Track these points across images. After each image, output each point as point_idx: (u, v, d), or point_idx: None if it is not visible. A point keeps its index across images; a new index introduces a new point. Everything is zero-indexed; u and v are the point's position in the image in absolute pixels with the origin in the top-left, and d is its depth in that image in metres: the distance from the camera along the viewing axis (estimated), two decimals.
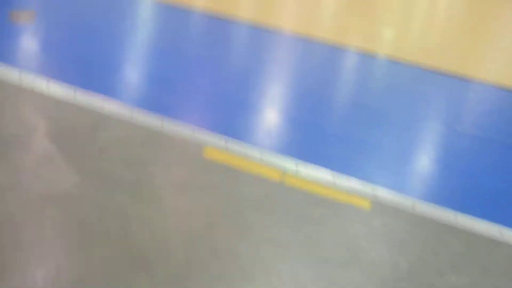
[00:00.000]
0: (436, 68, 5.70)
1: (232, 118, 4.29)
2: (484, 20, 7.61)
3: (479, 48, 6.52)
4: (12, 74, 4.30)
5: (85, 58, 4.81)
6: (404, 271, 2.96)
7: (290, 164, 3.74)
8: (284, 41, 6.14)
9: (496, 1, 8.44)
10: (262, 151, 3.85)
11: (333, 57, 5.87)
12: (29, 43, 4.98)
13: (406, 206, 3.51)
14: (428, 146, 4.41)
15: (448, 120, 4.79)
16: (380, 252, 3.07)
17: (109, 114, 3.98)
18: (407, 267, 2.99)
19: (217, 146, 3.80)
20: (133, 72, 4.88)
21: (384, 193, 3.59)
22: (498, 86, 5.56)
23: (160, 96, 4.47)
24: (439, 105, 5.04)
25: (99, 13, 5.92)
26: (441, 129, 4.58)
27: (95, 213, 3.01)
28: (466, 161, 4.19)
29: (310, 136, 4.20)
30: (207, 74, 4.96)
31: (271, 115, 4.52)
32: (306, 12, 7.05)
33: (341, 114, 4.70)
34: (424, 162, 4.13)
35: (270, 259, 2.91)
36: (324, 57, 5.88)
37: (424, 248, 3.17)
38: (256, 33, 6.23)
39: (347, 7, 7.47)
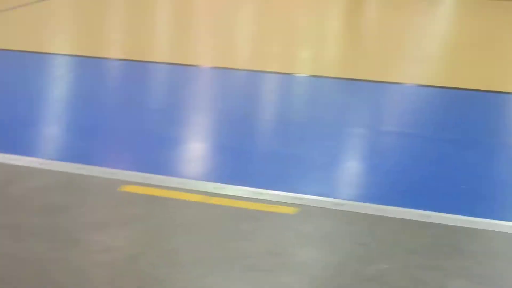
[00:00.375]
0: (354, 78, 5.75)
1: (153, 154, 4.24)
2: (394, 27, 7.78)
3: (393, 54, 6.63)
4: None
5: None
6: (335, 267, 2.92)
7: (215, 187, 3.69)
8: (201, 74, 6.15)
9: (402, 8, 8.65)
10: (185, 180, 3.79)
11: (253, 82, 5.88)
12: None
13: (334, 207, 3.49)
14: (353, 149, 4.44)
15: (371, 122, 4.83)
16: (310, 254, 3.03)
17: (23, 168, 3.87)
18: (337, 263, 2.96)
19: (137, 182, 3.73)
20: (47, 126, 4.80)
21: (312, 199, 3.56)
22: (414, 85, 5.64)
23: (77, 144, 4.39)
24: (360, 110, 5.08)
25: (8, 77, 5.83)
26: (365, 132, 4.61)
27: (12, 267, 2.89)
28: (392, 157, 4.22)
29: (233, 158, 4.18)
30: (125, 116, 4.91)
31: (193, 145, 4.49)
32: (221, 44, 7.06)
33: (264, 133, 4.70)
34: (351, 165, 4.14)
35: (199, 279, 2.83)
36: (244, 83, 5.89)
37: (353, 243, 3.14)
38: (173, 70, 6.22)
39: (261, 34, 7.52)
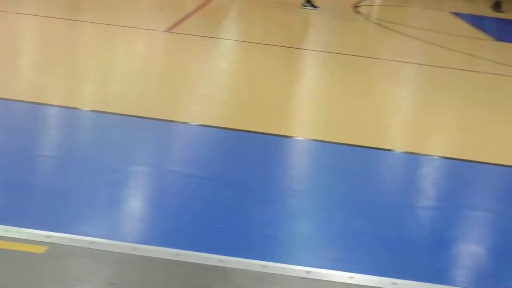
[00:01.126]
0: (143, 115, 5.64)
1: None
2: (178, 65, 7.87)
3: (183, 94, 6.64)
4: None
5: None
6: None
7: None
8: None
9: (186, 47, 8.81)
10: None
11: (37, 116, 5.57)
12: None
13: (86, 245, 3.41)
14: (116, 187, 4.34)
15: (158, 161, 4.77)
16: None
17: None
18: None
19: None
20: None
21: (63, 237, 3.45)
22: (205, 126, 5.65)
23: None
24: (150, 149, 5.00)
25: None
26: (152, 171, 4.57)
27: None
28: (150, 195, 4.23)
29: None
30: None
31: None
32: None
33: (24, 167, 4.45)
34: (106, 202, 4.01)
35: None
36: (26, 117, 5.56)
37: (103, 283, 3.10)
38: None
39: (44, 65, 7.24)
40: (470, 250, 4.00)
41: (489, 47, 11.62)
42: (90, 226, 3.64)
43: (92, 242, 3.43)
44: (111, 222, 3.78)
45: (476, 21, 13.93)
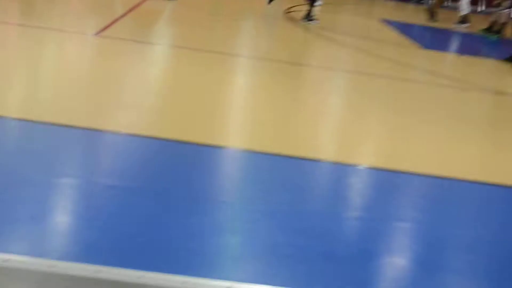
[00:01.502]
0: (68, 123, 5.47)
1: None
2: (111, 72, 7.72)
3: (109, 101, 6.49)
4: None
5: None
6: None
7: None
8: None
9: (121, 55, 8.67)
10: None
11: None
12: None
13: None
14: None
15: (80, 172, 4.64)
16: None
17: None
18: None
19: None
20: None
21: None
22: (131, 135, 5.53)
23: None
24: (71, 159, 4.87)
25: None
26: (73, 182, 4.43)
27: None
28: (72, 208, 4.12)
29: None
30: None
31: None
32: None
33: None
34: (23, 216, 3.88)
35: None
36: None
37: None
38: None
39: None
40: (397, 262, 4.04)
41: (416, 55, 11.87)
42: (4, 242, 3.51)
43: (7, 260, 3.31)
44: (28, 237, 3.65)
45: (405, 29, 14.20)
